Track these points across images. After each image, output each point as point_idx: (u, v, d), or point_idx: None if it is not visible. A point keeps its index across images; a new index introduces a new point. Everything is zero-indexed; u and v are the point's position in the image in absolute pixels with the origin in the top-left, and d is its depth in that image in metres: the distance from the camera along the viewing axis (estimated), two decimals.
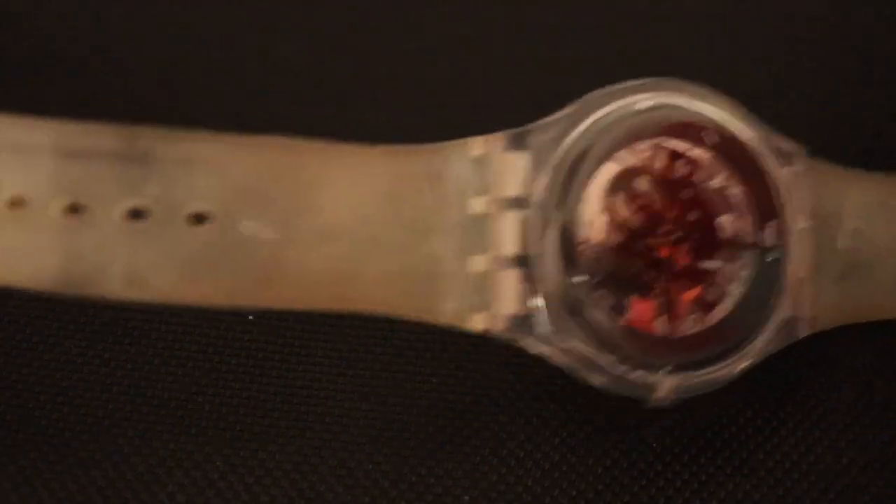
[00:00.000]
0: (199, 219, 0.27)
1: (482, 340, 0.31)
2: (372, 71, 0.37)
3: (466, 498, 0.30)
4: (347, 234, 0.28)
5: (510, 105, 0.35)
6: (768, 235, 0.29)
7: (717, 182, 0.29)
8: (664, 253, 0.29)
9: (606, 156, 0.29)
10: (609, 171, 0.29)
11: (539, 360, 0.30)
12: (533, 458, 0.30)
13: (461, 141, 0.29)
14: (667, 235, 0.29)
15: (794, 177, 0.30)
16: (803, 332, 0.30)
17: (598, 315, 0.28)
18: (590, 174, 0.28)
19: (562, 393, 0.31)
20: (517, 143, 0.29)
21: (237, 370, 0.31)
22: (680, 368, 0.29)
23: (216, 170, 0.27)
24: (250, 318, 0.32)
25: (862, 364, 0.32)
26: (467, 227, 0.28)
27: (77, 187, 0.27)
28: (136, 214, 0.27)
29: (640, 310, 0.29)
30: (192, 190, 0.27)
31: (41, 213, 0.27)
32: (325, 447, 0.30)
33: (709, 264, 0.29)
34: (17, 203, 0.27)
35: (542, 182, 0.29)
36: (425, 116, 0.36)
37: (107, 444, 0.30)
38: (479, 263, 0.28)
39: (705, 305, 0.29)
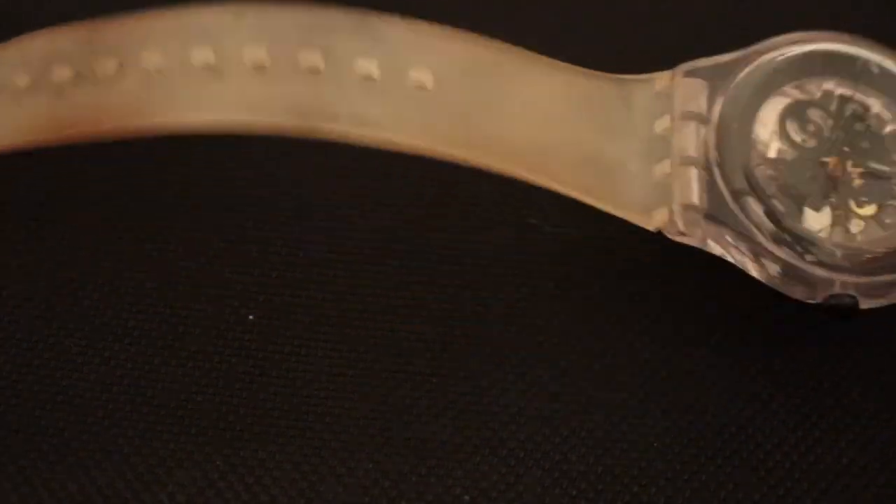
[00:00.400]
0: (420, 87, 0.30)
1: (482, 341, 0.31)
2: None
3: (467, 498, 0.30)
4: (542, 123, 0.31)
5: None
6: None
7: (888, 128, 0.31)
8: (839, 172, 0.31)
9: (779, 88, 0.31)
10: (782, 101, 0.31)
11: (535, 362, 0.30)
12: (533, 457, 0.30)
13: (646, 75, 0.32)
14: (842, 157, 0.31)
15: None
16: None
17: (778, 214, 0.30)
18: (764, 101, 0.31)
19: (561, 393, 0.31)
20: (694, 73, 0.31)
21: (237, 370, 0.31)
22: (853, 272, 0.30)
23: (435, 51, 0.30)
24: (250, 318, 0.32)
25: (865, 363, 0.32)
26: (652, 141, 0.31)
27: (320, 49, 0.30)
28: (368, 78, 0.30)
29: (815, 221, 0.30)
30: (414, 63, 0.30)
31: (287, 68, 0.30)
32: (325, 447, 0.30)
33: (883, 182, 0.31)
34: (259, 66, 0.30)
35: (719, 103, 0.31)
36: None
37: (107, 444, 0.30)
38: (662, 168, 0.31)
39: (878, 222, 0.31)
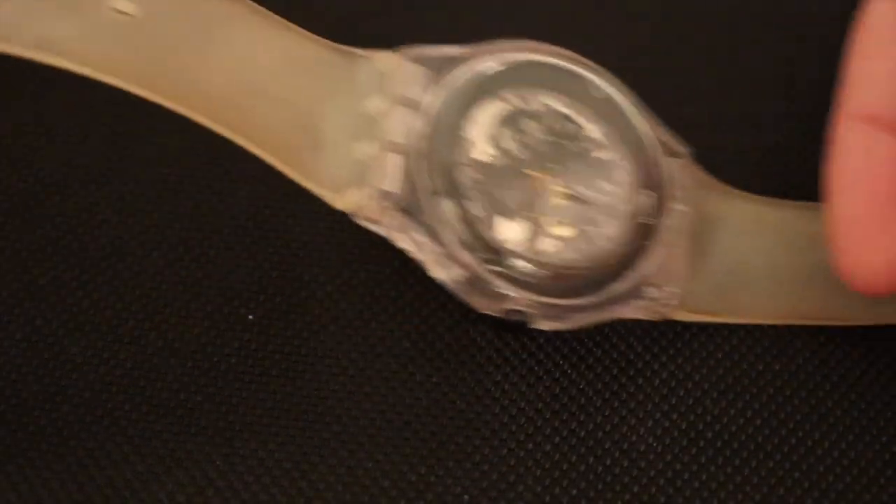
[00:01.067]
0: (121, 13, 0.28)
1: (481, 343, 0.31)
2: None
3: (466, 497, 0.30)
4: (249, 76, 0.30)
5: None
6: (644, 201, 0.31)
7: (603, 154, 0.31)
8: (540, 185, 0.30)
9: (499, 92, 0.31)
10: (500, 106, 0.31)
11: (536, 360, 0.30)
12: (533, 457, 0.30)
13: (371, 51, 0.31)
14: (547, 174, 0.30)
15: (680, 167, 0.31)
16: (668, 308, 0.31)
17: (472, 218, 0.29)
18: (481, 101, 0.30)
19: (560, 393, 0.31)
20: (419, 59, 0.30)
21: (237, 370, 0.31)
22: (533, 289, 0.30)
23: None
24: (250, 318, 0.32)
25: (862, 366, 0.32)
26: (363, 119, 0.30)
27: None
28: None
29: (509, 231, 0.30)
30: None
31: None
32: (324, 446, 0.30)
33: (579, 212, 0.30)
34: None
35: (435, 93, 0.30)
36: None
37: (106, 444, 0.30)
38: (366, 147, 0.30)
39: (572, 247, 0.30)
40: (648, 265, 0.30)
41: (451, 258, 0.29)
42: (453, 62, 0.31)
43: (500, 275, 0.29)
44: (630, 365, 0.32)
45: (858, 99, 0.30)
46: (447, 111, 0.30)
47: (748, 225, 0.32)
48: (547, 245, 0.30)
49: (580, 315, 0.30)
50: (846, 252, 0.29)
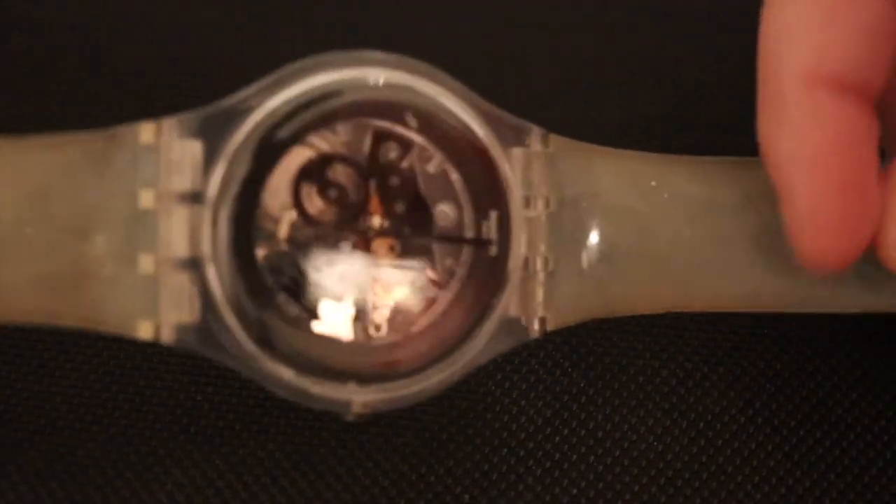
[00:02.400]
0: None
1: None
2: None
3: (467, 497, 0.30)
4: None
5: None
6: (488, 227, 0.26)
7: (432, 167, 0.26)
8: (363, 250, 0.26)
9: (296, 140, 0.26)
10: (298, 156, 0.26)
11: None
12: (534, 456, 0.30)
13: (131, 126, 0.26)
14: (367, 231, 0.26)
15: (527, 157, 0.27)
16: (534, 332, 0.27)
17: (279, 325, 0.26)
18: (273, 161, 0.25)
19: (561, 392, 0.31)
20: (192, 129, 0.25)
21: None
22: (375, 380, 0.26)
23: None
24: None
25: (863, 366, 0.32)
26: (135, 223, 0.25)
27: None
28: None
29: (333, 315, 0.26)
30: None
31: None
32: (324, 446, 0.30)
33: (413, 264, 0.26)
34: None
35: (219, 172, 0.25)
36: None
37: (106, 444, 0.30)
38: (146, 265, 0.25)
39: (412, 308, 0.26)
40: (505, 298, 0.27)
41: (267, 377, 0.26)
42: (227, 120, 0.25)
43: (333, 384, 0.26)
44: (630, 364, 0.32)
45: (814, 58, 0.25)
46: (232, 191, 0.25)
47: (625, 195, 0.28)
48: (380, 318, 0.26)
49: (435, 389, 0.27)
50: (810, 239, 0.25)
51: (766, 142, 0.25)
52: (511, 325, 0.27)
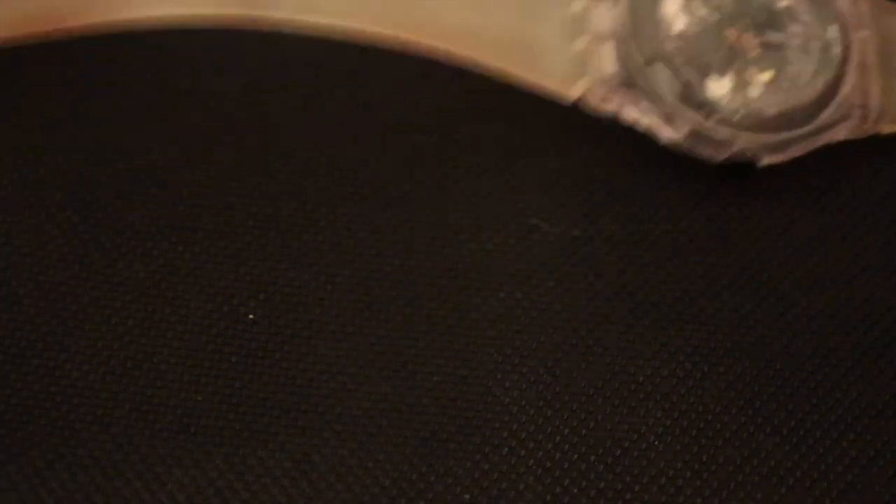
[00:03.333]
0: None
1: (482, 340, 0.31)
2: None
3: (467, 496, 0.30)
4: (471, 4, 0.34)
5: None
6: (830, 34, 0.33)
7: (783, 3, 0.34)
8: (736, 41, 0.33)
9: None
10: None
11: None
12: (534, 456, 0.30)
13: None
14: (742, 29, 0.33)
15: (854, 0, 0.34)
16: (871, 123, 0.34)
17: (685, 80, 0.33)
18: None
19: (561, 392, 0.31)
20: None
21: (237, 368, 0.31)
22: (752, 130, 0.33)
23: None
24: (250, 317, 0.32)
25: (864, 365, 0.32)
26: (570, 21, 0.34)
27: None
28: None
29: (718, 87, 0.33)
30: None
31: None
32: (324, 445, 0.30)
33: (777, 55, 0.33)
34: None
35: None
36: None
37: (106, 444, 0.30)
38: (580, 43, 0.34)
39: (775, 86, 0.33)
40: (847, 90, 0.33)
41: (675, 117, 0.33)
42: None
43: (720, 122, 0.33)
44: (630, 363, 0.32)
45: None
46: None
47: None
48: (754, 91, 0.33)
49: (797, 146, 0.33)
50: None
51: None
52: (856, 117, 0.34)
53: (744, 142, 0.33)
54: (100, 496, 0.30)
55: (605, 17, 0.34)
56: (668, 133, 0.33)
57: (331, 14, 0.34)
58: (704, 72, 0.33)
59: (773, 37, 0.34)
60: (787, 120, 0.33)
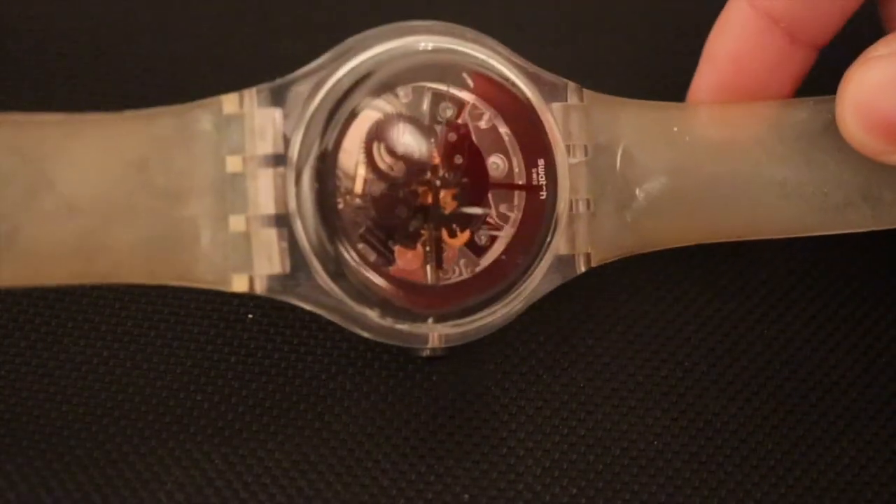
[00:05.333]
0: None
1: (481, 340, 0.31)
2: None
3: (466, 496, 0.30)
4: (91, 206, 0.27)
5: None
6: (538, 174, 0.29)
7: (483, 123, 0.29)
8: (430, 200, 0.28)
9: (364, 104, 0.28)
10: (367, 119, 0.28)
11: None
12: (533, 455, 0.30)
13: (214, 98, 0.28)
14: (432, 182, 0.29)
15: (565, 111, 0.30)
16: (580, 268, 0.30)
17: (361, 271, 0.28)
18: (346, 124, 0.28)
19: (561, 392, 0.31)
20: (272, 99, 0.28)
21: (236, 369, 0.31)
22: (449, 317, 0.29)
23: None
24: (249, 317, 0.32)
25: (863, 364, 0.32)
26: (224, 187, 0.28)
27: None
28: None
29: (407, 259, 0.28)
30: None
31: None
32: (323, 445, 0.30)
33: (476, 210, 0.29)
34: None
35: (298, 137, 0.28)
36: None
37: (106, 444, 0.30)
38: (237, 224, 0.28)
39: (475, 250, 0.29)
40: (556, 238, 0.29)
41: (354, 319, 0.29)
42: (303, 88, 0.28)
43: (413, 321, 0.29)
44: (629, 362, 0.32)
45: None
46: (312, 153, 0.28)
47: (652, 141, 0.31)
48: (450, 261, 0.29)
49: (499, 323, 0.29)
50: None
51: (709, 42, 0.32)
52: (560, 263, 0.30)
53: (440, 338, 0.29)
54: (99, 496, 0.30)
55: (268, 192, 0.28)
56: (356, 330, 0.29)
57: None
58: (391, 242, 0.28)
59: (471, 180, 0.29)
60: (490, 293, 0.29)
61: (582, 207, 0.30)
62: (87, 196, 0.27)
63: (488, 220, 0.29)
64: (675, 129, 0.31)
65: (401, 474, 0.30)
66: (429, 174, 0.29)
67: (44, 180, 0.27)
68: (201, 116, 0.28)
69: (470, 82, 0.29)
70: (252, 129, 0.28)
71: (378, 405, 0.31)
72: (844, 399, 0.31)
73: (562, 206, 0.29)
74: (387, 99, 0.28)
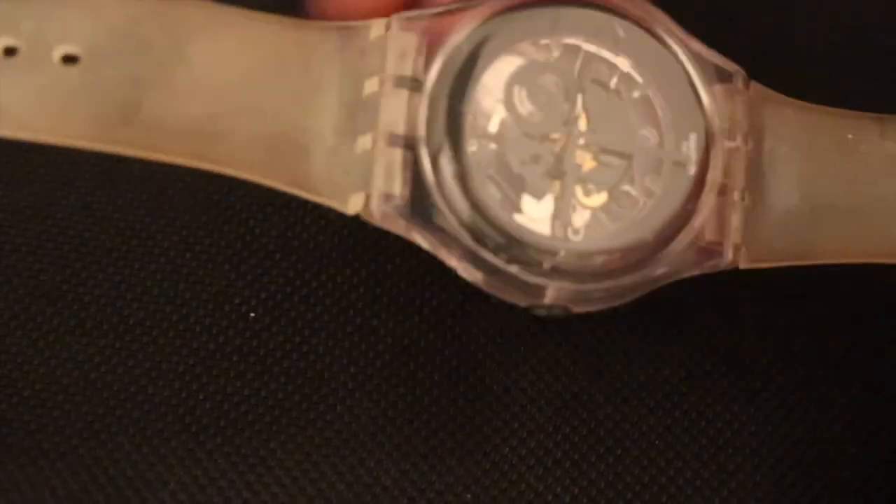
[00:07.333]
0: (68, 59, 0.26)
1: (482, 339, 0.31)
2: None
3: (468, 496, 0.30)
4: (220, 93, 0.27)
5: None
6: (688, 148, 0.28)
7: (637, 93, 0.28)
8: (564, 149, 0.27)
9: (508, 47, 0.27)
10: (511, 62, 0.27)
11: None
12: (535, 455, 0.30)
13: (359, 22, 0.28)
14: (571, 138, 0.27)
15: (727, 93, 0.28)
16: (728, 256, 0.28)
17: (486, 210, 0.27)
18: (488, 61, 0.27)
19: (561, 392, 0.31)
20: (413, 26, 0.27)
21: (238, 367, 0.31)
22: (569, 276, 0.27)
23: (90, 10, 0.26)
24: (251, 315, 0.32)
25: (863, 364, 0.32)
26: (356, 107, 0.27)
27: None
28: (9, 52, 0.26)
29: (534, 210, 0.27)
30: (64, 30, 0.26)
31: None
32: (326, 444, 0.30)
33: (614, 174, 0.27)
34: None
35: (436, 66, 0.27)
36: None
37: (108, 443, 0.30)
38: (364, 142, 0.27)
39: (611, 215, 0.27)
40: (701, 219, 0.28)
41: (470, 258, 0.27)
42: (448, 21, 0.27)
43: (526, 268, 0.27)
44: (631, 362, 0.32)
45: None
46: (448, 83, 0.27)
47: (822, 147, 0.29)
48: (578, 219, 0.27)
49: (627, 293, 0.28)
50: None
51: None
52: (708, 251, 0.28)
53: (555, 290, 0.27)
54: (101, 495, 0.30)
55: (400, 112, 0.27)
56: (464, 274, 0.27)
57: (36, 129, 0.26)
58: (518, 190, 0.27)
59: (614, 145, 0.28)
60: (614, 266, 0.27)
61: (736, 196, 0.28)
62: (219, 83, 0.27)
63: (628, 188, 0.27)
64: (850, 136, 0.29)
65: (403, 473, 0.30)
66: (569, 129, 0.27)
67: (179, 57, 0.26)
68: (347, 34, 0.27)
69: (625, 45, 0.28)
70: (394, 51, 0.27)
71: (380, 404, 0.31)
72: (845, 398, 0.31)
73: (710, 182, 0.28)
74: (536, 47, 0.28)
